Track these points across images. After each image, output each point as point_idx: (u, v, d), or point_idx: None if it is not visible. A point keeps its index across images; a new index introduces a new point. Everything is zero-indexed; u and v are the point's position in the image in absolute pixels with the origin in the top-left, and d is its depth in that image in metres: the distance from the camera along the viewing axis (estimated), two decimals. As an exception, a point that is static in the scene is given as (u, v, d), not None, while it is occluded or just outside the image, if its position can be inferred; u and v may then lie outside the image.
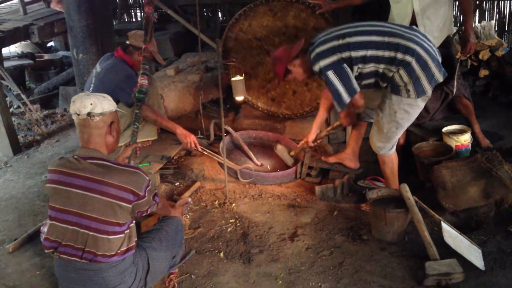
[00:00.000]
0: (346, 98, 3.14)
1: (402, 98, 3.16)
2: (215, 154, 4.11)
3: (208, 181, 4.06)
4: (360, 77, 3.21)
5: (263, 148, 4.58)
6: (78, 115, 2.35)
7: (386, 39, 3.07)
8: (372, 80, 3.24)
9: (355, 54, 3.09)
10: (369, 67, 3.14)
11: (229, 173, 4.03)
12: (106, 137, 2.42)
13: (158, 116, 3.75)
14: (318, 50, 3.16)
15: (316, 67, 3.16)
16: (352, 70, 3.14)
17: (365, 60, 3.10)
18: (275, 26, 4.42)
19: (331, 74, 3.10)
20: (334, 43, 3.12)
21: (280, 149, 4.26)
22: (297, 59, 3.35)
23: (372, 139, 3.47)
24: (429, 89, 3.13)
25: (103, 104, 2.37)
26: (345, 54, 3.09)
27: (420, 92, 3.12)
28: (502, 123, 4.45)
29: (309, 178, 4.12)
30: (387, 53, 3.07)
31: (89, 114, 2.34)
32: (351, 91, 3.13)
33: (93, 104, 2.34)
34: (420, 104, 3.22)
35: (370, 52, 3.09)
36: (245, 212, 3.58)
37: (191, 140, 3.76)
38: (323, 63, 3.12)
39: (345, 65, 3.10)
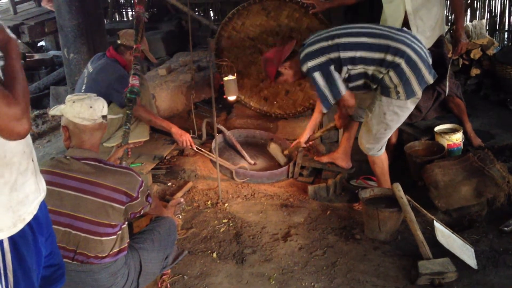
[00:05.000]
0: (331, 99, 3.18)
1: (392, 100, 3.16)
2: (210, 154, 4.10)
3: (200, 181, 4.03)
4: (349, 78, 3.21)
5: (255, 147, 4.57)
6: (95, 120, 2.35)
7: (376, 41, 3.08)
8: (361, 82, 3.25)
9: (343, 54, 3.09)
10: (358, 69, 3.15)
11: (222, 172, 4.02)
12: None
13: (152, 115, 3.75)
14: (307, 50, 3.17)
15: (304, 68, 3.18)
16: (341, 71, 3.14)
17: (354, 61, 3.11)
18: (269, 25, 4.40)
19: (317, 75, 3.13)
20: (324, 43, 3.14)
21: (273, 147, 4.26)
22: (288, 61, 3.36)
23: (361, 139, 3.46)
24: (419, 91, 3.14)
25: (104, 103, 2.41)
26: (333, 55, 3.10)
27: (410, 93, 3.12)
28: (493, 122, 4.46)
29: (301, 177, 4.11)
30: (376, 55, 3.07)
31: (104, 116, 2.38)
32: (336, 93, 3.15)
33: (104, 107, 2.39)
34: (410, 106, 3.24)
35: (359, 54, 3.09)
36: (238, 212, 3.57)
37: (186, 138, 3.75)
38: (310, 63, 3.13)
39: (332, 67, 3.11)
